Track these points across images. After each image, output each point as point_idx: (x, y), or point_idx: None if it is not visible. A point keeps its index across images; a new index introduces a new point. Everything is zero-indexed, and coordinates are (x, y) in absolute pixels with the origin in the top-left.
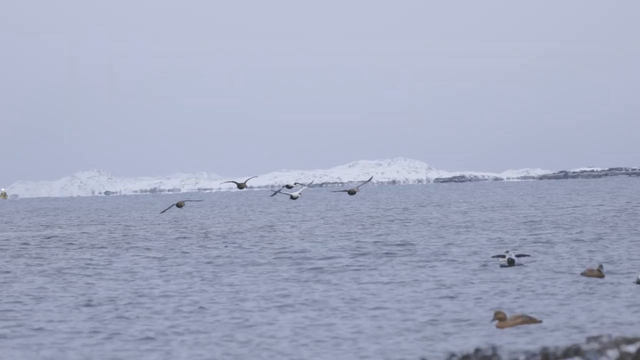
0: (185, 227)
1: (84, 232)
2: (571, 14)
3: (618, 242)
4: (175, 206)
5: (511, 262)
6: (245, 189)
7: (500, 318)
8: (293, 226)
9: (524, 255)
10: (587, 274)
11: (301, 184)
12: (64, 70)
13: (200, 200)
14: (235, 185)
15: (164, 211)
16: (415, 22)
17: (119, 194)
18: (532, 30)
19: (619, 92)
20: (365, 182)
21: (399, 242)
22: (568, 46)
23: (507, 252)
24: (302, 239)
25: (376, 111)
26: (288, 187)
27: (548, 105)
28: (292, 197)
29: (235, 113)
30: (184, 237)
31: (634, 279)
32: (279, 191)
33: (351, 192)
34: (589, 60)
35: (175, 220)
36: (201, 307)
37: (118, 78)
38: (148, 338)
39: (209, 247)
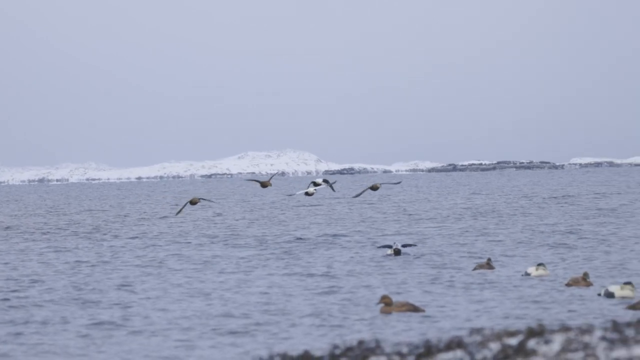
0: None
1: None
2: (458, 13)
3: (505, 233)
4: (189, 204)
5: (397, 252)
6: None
7: (386, 302)
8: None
9: (409, 245)
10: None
11: (326, 182)
12: None
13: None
14: (259, 185)
15: (178, 212)
16: (302, 18)
17: (6, 184)
18: (416, 27)
19: (506, 85)
20: (397, 183)
21: (298, 235)
22: (452, 41)
23: (394, 242)
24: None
25: (265, 103)
26: (315, 184)
27: (437, 99)
28: (308, 194)
29: (123, 103)
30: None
31: (522, 272)
32: (311, 187)
33: (373, 188)
34: (477, 53)
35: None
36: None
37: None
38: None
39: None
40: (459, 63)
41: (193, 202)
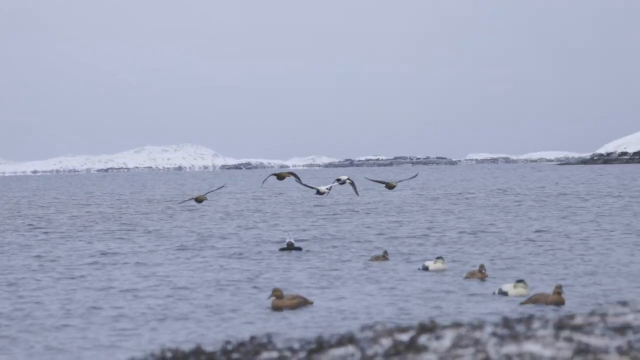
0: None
1: None
2: (365, 15)
3: (404, 229)
4: (194, 200)
5: (290, 246)
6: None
7: (277, 296)
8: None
9: (303, 240)
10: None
11: (346, 179)
12: None
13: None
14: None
15: (182, 202)
16: (197, 14)
17: None
18: (312, 29)
19: (403, 82)
20: (411, 178)
21: (197, 231)
22: (350, 41)
23: (288, 235)
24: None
25: (163, 97)
26: (339, 181)
27: (334, 95)
28: (319, 193)
29: (18, 97)
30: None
31: (420, 266)
32: (336, 184)
33: (389, 186)
34: (375, 52)
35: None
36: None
37: None
38: None
39: None
40: (358, 61)
41: (199, 200)
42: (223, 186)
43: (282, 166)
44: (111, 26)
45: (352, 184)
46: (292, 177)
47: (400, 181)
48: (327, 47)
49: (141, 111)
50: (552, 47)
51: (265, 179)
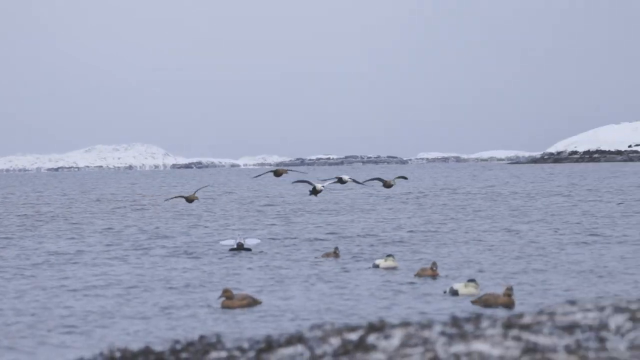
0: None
1: None
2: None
3: (354, 227)
4: (185, 200)
5: (240, 246)
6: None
7: (227, 296)
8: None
9: (253, 240)
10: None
11: (349, 179)
12: None
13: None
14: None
15: (168, 199)
16: (145, 12)
17: None
18: (270, 25)
19: (353, 81)
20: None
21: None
22: (301, 39)
23: (239, 236)
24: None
25: (114, 96)
26: (341, 180)
27: (285, 94)
28: (316, 190)
29: None
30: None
31: (371, 264)
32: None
33: (387, 185)
34: (325, 51)
35: None
36: None
37: None
38: None
39: None
40: (309, 61)
41: (190, 200)
42: (207, 185)
43: (233, 165)
44: (52, 32)
45: (355, 181)
46: (288, 174)
47: (398, 178)
48: (278, 45)
49: (92, 110)
50: (504, 49)
51: (260, 174)
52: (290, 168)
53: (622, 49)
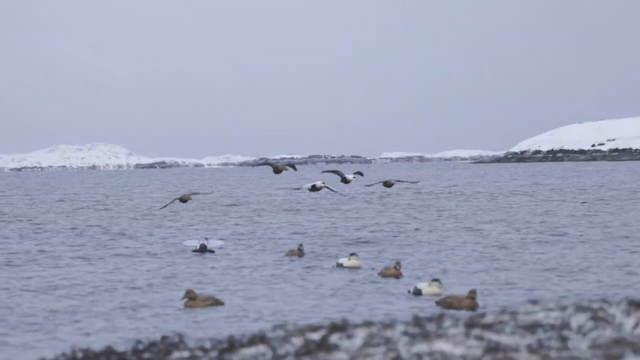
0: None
1: None
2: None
3: (318, 227)
4: (178, 201)
5: (203, 248)
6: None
7: (191, 297)
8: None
9: (217, 242)
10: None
11: (354, 176)
12: None
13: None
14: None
15: (164, 206)
16: (116, 13)
17: None
18: (228, 25)
19: (317, 81)
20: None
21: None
22: (262, 39)
23: (201, 237)
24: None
25: (76, 95)
26: (345, 180)
27: (247, 93)
28: (315, 188)
29: None
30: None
31: (333, 263)
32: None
33: (387, 184)
34: (285, 52)
35: None
36: None
37: None
38: None
39: None
40: (271, 59)
41: (183, 200)
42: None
43: (196, 165)
44: (22, 29)
45: (360, 173)
46: (287, 171)
47: (400, 181)
48: (240, 44)
49: (55, 109)
50: (467, 48)
51: (259, 164)
52: (289, 163)
53: (585, 49)
